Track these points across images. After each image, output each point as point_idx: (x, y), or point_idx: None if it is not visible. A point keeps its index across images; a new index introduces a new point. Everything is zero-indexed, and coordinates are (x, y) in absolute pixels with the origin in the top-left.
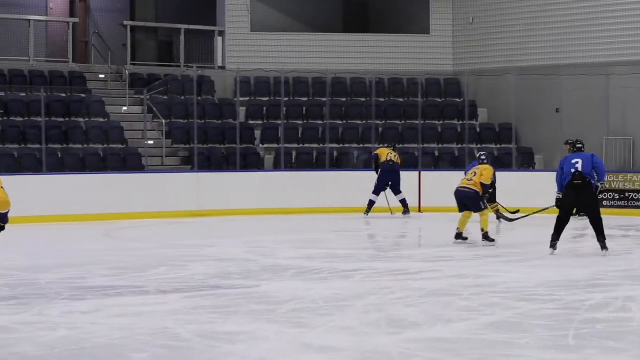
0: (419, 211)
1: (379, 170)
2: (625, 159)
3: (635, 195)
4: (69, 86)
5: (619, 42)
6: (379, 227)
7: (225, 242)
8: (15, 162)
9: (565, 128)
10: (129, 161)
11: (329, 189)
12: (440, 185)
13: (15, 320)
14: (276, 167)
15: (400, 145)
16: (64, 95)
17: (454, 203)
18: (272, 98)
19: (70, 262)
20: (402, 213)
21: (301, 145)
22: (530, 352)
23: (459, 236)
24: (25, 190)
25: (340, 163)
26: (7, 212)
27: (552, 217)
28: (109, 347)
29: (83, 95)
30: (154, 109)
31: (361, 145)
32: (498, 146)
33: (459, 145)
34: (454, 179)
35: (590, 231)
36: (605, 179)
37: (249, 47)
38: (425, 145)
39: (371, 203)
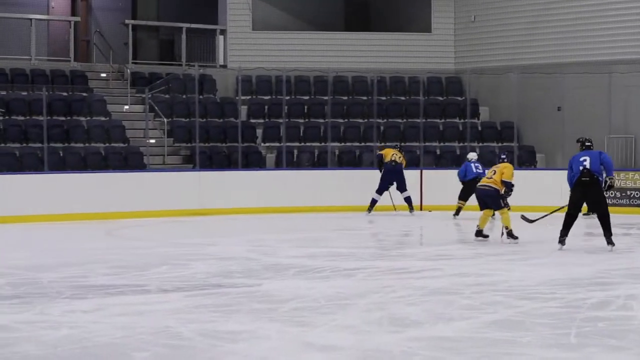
0: (421, 209)
1: (382, 170)
2: (627, 157)
3: (637, 194)
4: (71, 85)
5: (621, 41)
6: (380, 225)
7: (227, 240)
8: (17, 161)
9: (567, 126)
10: (130, 160)
11: (331, 187)
12: (441, 184)
13: (17, 319)
14: (278, 165)
15: (402, 144)
16: (65, 94)
17: (455, 201)
18: (274, 97)
19: (72, 261)
20: (409, 211)
21: (302, 144)
22: (532, 350)
23: (479, 233)
24: (27, 190)
25: (341, 161)
26: None
27: (555, 216)
28: (111, 346)
29: (84, 94)
30: (156, 107)
31: (363, 144)
32: (499, 144)
33: (461, 144)
34: (456, 178)
35: (595, 230)
36: (614, 174)
37: (251, 46)
38: (427, 144)
39: (373, 202)
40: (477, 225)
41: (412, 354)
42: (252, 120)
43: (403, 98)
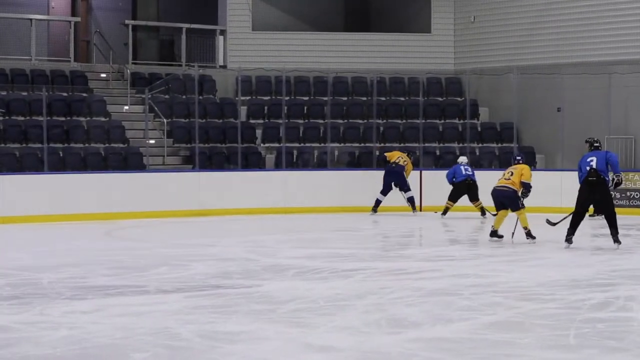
0: (420, 210)
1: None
2: (626, 158)
3: (637, 195)
4: (71, 85)
5: (620, 41)
6: (379, 226)
7: (226, 241)
8: (17, 161)
9: (566, 127)
10: (130, 160)
11: (330, 188)
12: (441, 185)
13: (16, 320)
14: (277, 166)
15: (402, 145)
16: (65, 94)
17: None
18: (273, 97)
19: (72, 262)
20: (412, 211)
21: (302, 145)
22: (531, 351)
23: (494, 234)
24: (27, 190)
25: (341, 162)
26: None
27: (550, 217)
28: (110, 346)
29: (84, 95)
30: (155, 108)
31: (362, 145)
32: (499, 145)
33: (460, 145)
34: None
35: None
36: (619, 171)
37: (250, 46)
38: (427, 145)
39: (377, 202)
40: (492, 226)
41: (410, 355)
42: (252, 121)
43: (402, 99)
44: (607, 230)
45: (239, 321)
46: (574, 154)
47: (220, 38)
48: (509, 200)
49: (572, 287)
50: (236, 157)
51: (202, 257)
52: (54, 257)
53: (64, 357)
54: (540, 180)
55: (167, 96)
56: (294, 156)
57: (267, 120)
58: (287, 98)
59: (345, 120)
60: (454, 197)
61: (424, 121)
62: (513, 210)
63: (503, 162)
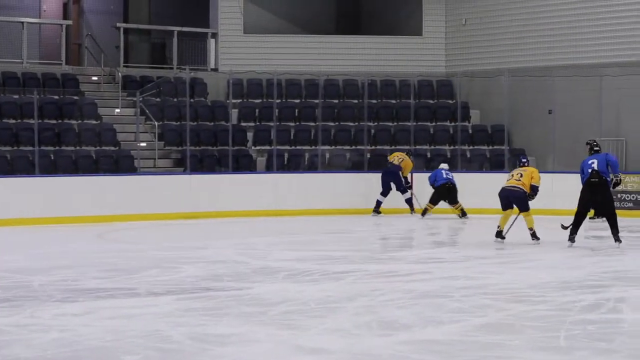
0: (411, 212)
1: None
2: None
3: (627, 196)
4: (62, 88)
5: (611, 43)
6: (371, 228)
7: (217, 244)
8: (8, 164)
9: (557, 129)
10: (121, 163)
11: (321, 190)
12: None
13: (7, 322)
14: (268, 169)
15: (392, 147)
16: (56, 97)
17: (445, 204)
18: (265, 100)
19: (63, 264)
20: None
21: (293, 147)
22: (522, 353)
23: (499, 234)
24: (18, 193)
25: (332, 164)
26: None
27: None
28: (101, 349)
29: (76, 98)
30: (147, 111)
31: (353, 147)
32: (490, 147)
33: (451, 147)
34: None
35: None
36: (619, 172)
37: (242, 49)
38: (418, 147)
39: (378, 203)
40: (498, 226)
41: (401, 357)
42: (243, 124)
43: (394, 101)
44: (599, 233)
45: (230, 323)
46: (565, 156)
47: (212, 41)
48: (519, 200)
49: (562, 289)
50: (227, 160)
51: (193, 260)
52: (46, 260)
53: (54, 359)
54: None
55: (158, 99)
56: (285, 159)
57: (258, 123)
58: (278, 101)
59: (337, 123)
60: (434, 200)
61: (415, 124)
62: (521, 211)
63: (494, 164)
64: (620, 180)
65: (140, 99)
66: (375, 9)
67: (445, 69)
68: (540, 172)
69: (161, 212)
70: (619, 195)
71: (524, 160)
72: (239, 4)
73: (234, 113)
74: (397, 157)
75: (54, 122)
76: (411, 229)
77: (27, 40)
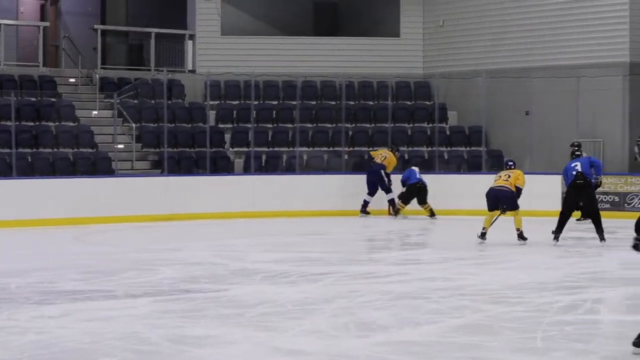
0: (389, 214)
1: None
2: None
3: (604, 197)
4: (39, 90)
5: (588, 45)
6: (348, 230)
7: (195, 246)
8: None
9: (535, 131)
10: (98, 165)
11: (299, 192)
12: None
13: None
14: (246, 170)
15: (371, 149)
16: (34, 99)
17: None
18: (242, 102)
19: (40, 267)
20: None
21: (271, 149)
22: (499, 354)
23: (484, 235)
24: None
25: (310, 166)
26: None
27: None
28: (78, 351)
29: (53, 100)
30: (124, 112)
31: (331, 149)
32: (468, 149)
33: (429, 148)
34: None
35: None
36: (601, 174)
37: (219, 51)
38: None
39: (365, 203)
40: (483, 227)
41: (379, 358)
42: (221, 125)
43: (371, 103)
44: (578, 234)
45: (207, 325)
46: (542, 157)
47: (189, 43)
48: (508, 200)
49: (540, 290)
50: (205, 162)
51: (171, 262)
52: (23, 262)
53: None
54: None
55: (135, 101)
56: (263, 160)
57: (235, 125)
58: (256, 102)
59: (314, 125)
60: (406, 199)
61: (392, 125)
62: (510, 210)
63: (471, 165)
64: (600, 182)
65: (118, 100)
66: (352, 10)
67: (423, 71)
68: None
69: (139, 214)
70: (596, 197)
71: (510, 163)
72: (217, 6)
73: (212, 115)
74: (380, 155)
75: (32, 124)
76: (389, 231)
77: (4, 42)
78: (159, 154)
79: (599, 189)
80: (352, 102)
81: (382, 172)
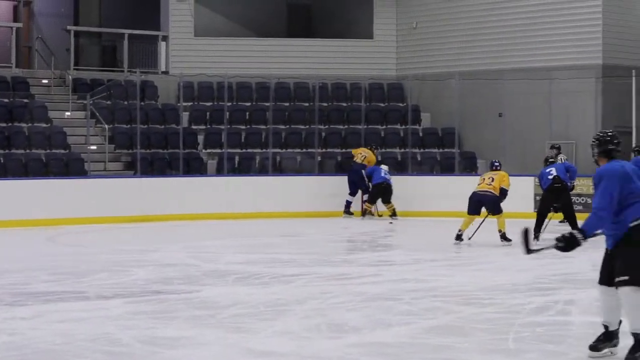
0: (362, 215)
1: None
2: None
3: (577, 199)
4: (12, 91)
5: (561, 47)
6: (321, 231)
7: (168, 247)
8: None
9: (508, 132)
10: (71, 166)
11: (272, 193)
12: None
13: None
14: (219, 172)
15: (344, 150)
16: (6, 100)
17: (397, 207)
18: (215, 103)
19: (12, 268)
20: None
21: (244, 150)
22: (471, 355)
23: (459, 237)
24: None
25: (283, 168)
26: None
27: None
28: (50, 352)
29: (26, 101)
30: (97, 114)
31: (304, 150)
32: (441, 150)
33: (402, 150)
34: (397, 183)
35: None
36: (574, 179)
37: (193, 52)
38: None
39: (347, 203)
40: (460, 229)
41: None
42: (194, 127)
43: (345, 104)
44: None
45: (180, 326)
46: (515, 159)
47: (163, 44)
48: (491, 204)
49: (511, 292)
50: (178, 163)
51: (143, 263)
52: None
53: None
54: None
55: (108, 102)
56: (236, 162)
57: (209, 126)
58: (229, 104)
59: (288, 126)
60: (371, 199)
61: (365, 127)
62: (493, 214)
63: (444, 167)
64: (573, 187)
65: (91, 101)
66: (326, 12)
67: (396, 72)
68: None
69: (112, 215)
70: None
71: (496, 164)
72: (190, 7)
73: (185, 116)
74: (360, 155)
75: (4, 125)
76: (363, 232)
77: None
78: (131, 155)
79: (572, 192)
80: (325, 104)
81: (363, 172)
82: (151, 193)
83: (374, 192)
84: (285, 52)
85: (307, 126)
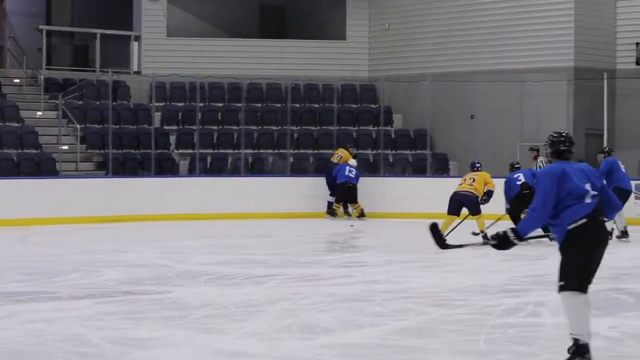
0: (331, 215)
1: None
2: None
3: None
4: None
5: (533, 49)
6: (293, 232)
7: (139, 247)
8: None
9: (479, 134)
10: (43, 166)
11: (244, 194)
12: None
13: None
14: (191, 172)
15: (316, 151)
16: None
17: (365, 207)
18: (188, 103)
19: None
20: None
21: (216, 151)
22: (442, 356)
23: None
24: None
25: (255, 168)
26: None
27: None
28: (21, 353)
29: None
30: (69, 113)
31: (276, 151)
32: (413, 152)
33: (374, 151)
34: (369, 184)
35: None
36: None
37: (165, 52)
38: None
39: (328, 204)
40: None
41: None
42: (166, 127)
43: (317, 105)
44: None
45: (151, 327)
46: (487, 161)
47: (135, 44)
48: (471, 204)
49: (483, 293)
50: (150, 163)
51: (115, 264)
52: None
53: None
54: (453, 187)
55: (80, 102)
56: (208, 162)
57: (181, 127)
58: (202, 104)
59: (260, 127)
60: (338, 199)
61: (338, 128)
62: (473, 215)
63: (416, 168)
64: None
65: (63, 101)
66: (299, 13)
67: (369, 74)
68: (461, 177)
69: (83, 215)
70: None
71: (477, 165)
72: (163, 7)
73: (157, 116)
74: (337, 156)
75: None
76: (335, 233)
77: None
78: (103, 155)
79: None
80: (297, 105)
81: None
82: (123, 193)
83: (338, 191)
84: (257, 53)
85: (280, 127)
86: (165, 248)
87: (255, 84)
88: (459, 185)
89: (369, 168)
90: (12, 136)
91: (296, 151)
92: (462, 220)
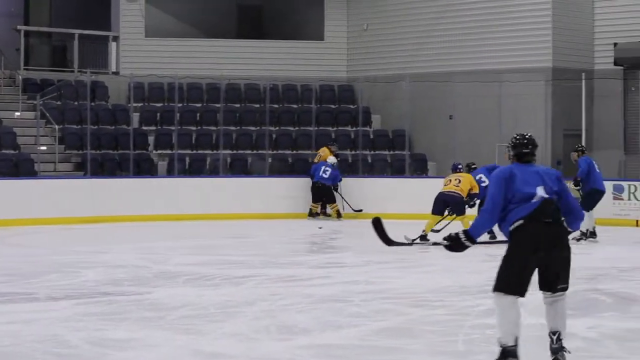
0: (309, 215)
1: None
2: None
3: None
4: None
5: (511, 50)
6: (271, 233)
7: (118, 248)
8: None
9: (458, 135)
10: (21, 167)
11: (223, 195)
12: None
13: None
14: (169, 173)
15: (294, 152)
16: None
17: (346, 208)
18: (166, 104)
19: None
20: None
21: (195, 152)
22: (420, 357)
23: (424, 238)
24: None
25: (234, 169)
26: None
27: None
28: None
29: None
30: (47, 114)
31: (255, 152)
32: (391, 152)
33: (353, 152)
34: (348, 185)
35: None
36: None
37: (143, 53)
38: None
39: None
40: (423, 230)
41: None
42: (144, 128)
43: (295, 106)
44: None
45: (129, 328)
46: (465, 161)
47: (113, 44)
48: (457, 205)
49: (461, 294)
50: (128, 164)
51: (93, 264)
52: None
53: None
54: (432, 187)
55: (59, 102)
56: (187, 163)
57: (159, 127)
58: (180, 105)
59: (238, 127)
60: (314, 199)
61: (316, 128)
62: (458, 215)
63: (395, 169)
64: None
65: (41, 102)
66: (276, 13)
67: (347, 74)
68: (441, 178)
69: (61, 216)
70: None
71: (459, 166)
72: (141, 7)
73: (135, 117)
74: (319, 155)
75: None
76: (313, 234)
77: None
78: (82, 156)
79: None
80: (276, 105)
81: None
82: (101, 194)
83: (312, 191)
84: (235, 53)
85: (258, 127)
86: (144, 249)
87: (233, 85)
88: (445, 185)
89: (348, 169)
90: None
91: (275, 152)
92: (449, 222)
